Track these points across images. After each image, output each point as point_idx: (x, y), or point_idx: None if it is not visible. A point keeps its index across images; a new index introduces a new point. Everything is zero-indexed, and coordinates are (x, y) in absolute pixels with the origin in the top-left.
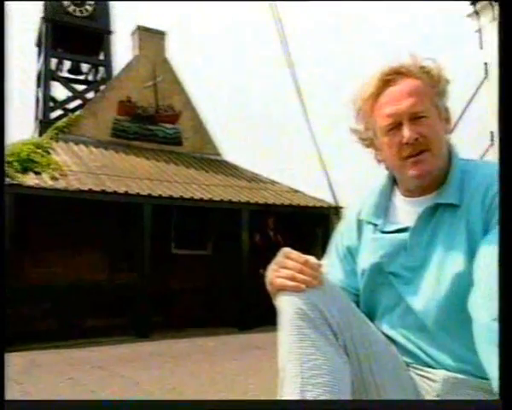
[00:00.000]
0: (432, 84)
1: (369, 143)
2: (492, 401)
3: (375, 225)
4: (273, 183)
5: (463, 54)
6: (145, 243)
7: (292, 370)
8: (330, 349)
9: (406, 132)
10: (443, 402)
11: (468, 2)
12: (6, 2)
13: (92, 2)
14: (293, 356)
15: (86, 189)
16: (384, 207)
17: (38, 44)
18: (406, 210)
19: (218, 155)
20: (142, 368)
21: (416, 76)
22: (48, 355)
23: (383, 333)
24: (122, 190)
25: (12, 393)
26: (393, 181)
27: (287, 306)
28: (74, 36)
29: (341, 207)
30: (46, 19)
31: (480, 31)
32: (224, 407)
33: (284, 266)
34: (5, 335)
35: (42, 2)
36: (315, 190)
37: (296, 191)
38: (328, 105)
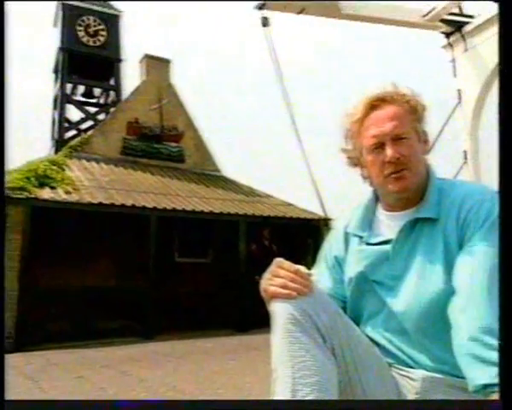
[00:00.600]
0: (412, 111)
1: (356, 161)
2: (492, 401)
3: (361, 237)
4: (268, 196)
5: (439, 81)
6: (151, 252)
7: (284, 370)
8: (319, 352)
9: (389, 152)
10: (443, 402)
11: (443, 36)
12: (6, 2)
13: (104, 34)
14: (285, 358)
15: (97, 202)
16: (369, 221)
17: (55, 71)
18: (388, 224)
19: (218, 171)
20: (147, 367)
21: (398, 103)
22: (61, 355)
23: (368, 336)
24: (129, 203)
25: (29, 390)
26: (377, 197)
27: (279, 312)
28: (88, 63)
29: (330, 219)
30: (63, 48)
31: (453, 61)
32: (223, 406)
33: (277, 275)
34: (4, 336)
35: (59, 34)
36: (308, 203)
37: (289, 204)
38: (320, 127)
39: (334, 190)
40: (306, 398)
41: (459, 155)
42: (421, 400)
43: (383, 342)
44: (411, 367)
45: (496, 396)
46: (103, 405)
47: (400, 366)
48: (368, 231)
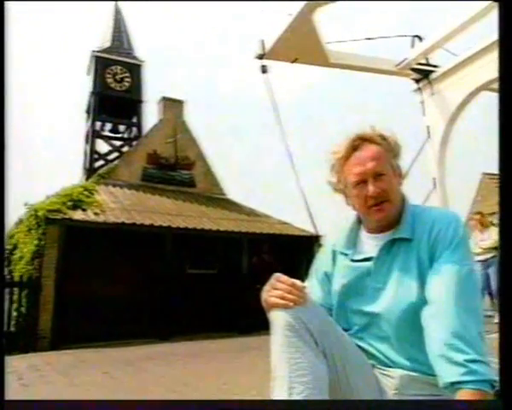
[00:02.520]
0: (389, 149)
1: (340, 191)
2: (492, 401)
3: (346, 254)
4: (267, 216)
5: (411, 119)
6: (166, 265)
7: (282, 371)
8: (312, 354)
9: (370, 188)
10: (443, 402)
11: (413, 82)
12: (6, 2)
13: (129, 80)
14: (282, 360)
15: (120, 222)
16: (353, 241)
17: (87, 111)
18: (370, 243)
19: (224, 194)
20: (161, 365)
21: (376, 142)
22: (90, 354)
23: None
24: (148, 222)
25: (60, 385)
26: (360, 220)
27: (278, 319)
28: (115, 104)
29: (321, 236)
30: (94, 92)
31: (422, 102)
32: (224, 406)
33: (276, 287)
34: (5, 338)
35: (91, 81)
36: (304, 222)
37: (285, 223)
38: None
39: (324, 212)
40: (301, 394)
41: (429, 182)
42: (421, 400)
43: (366, 345)
44: (390, 367)
45: (462, 394)
46: (104, 405)
47: (381, 367)
48: (353, 250)
